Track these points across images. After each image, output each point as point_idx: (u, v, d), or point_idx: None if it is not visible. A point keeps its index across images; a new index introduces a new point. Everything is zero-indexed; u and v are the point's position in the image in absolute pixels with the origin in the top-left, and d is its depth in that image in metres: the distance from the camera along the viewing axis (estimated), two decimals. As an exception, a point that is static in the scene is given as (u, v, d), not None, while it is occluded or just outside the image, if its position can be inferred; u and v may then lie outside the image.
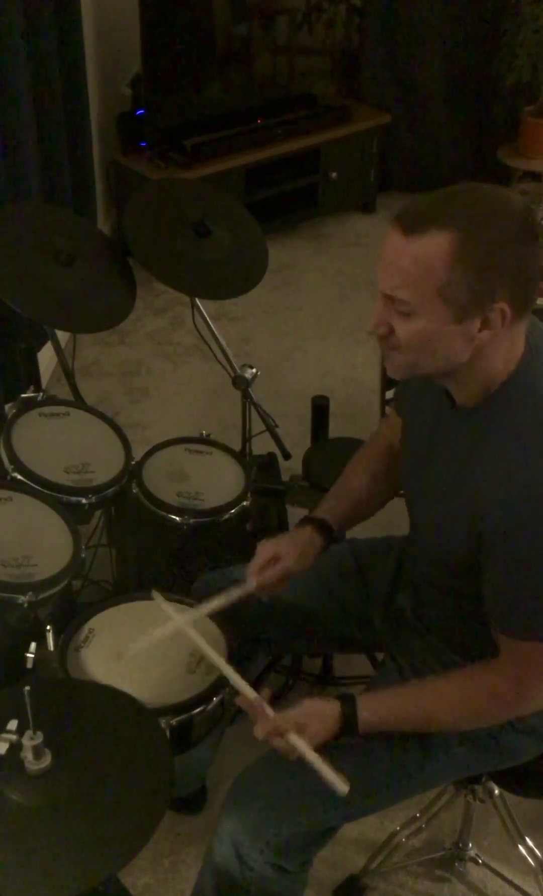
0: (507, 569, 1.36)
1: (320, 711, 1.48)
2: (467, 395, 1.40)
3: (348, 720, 1.47)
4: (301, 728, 1.45)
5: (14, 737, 1.29)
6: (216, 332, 2.38)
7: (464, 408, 1.41)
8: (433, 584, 1.61)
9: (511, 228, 1.25)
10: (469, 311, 1.27)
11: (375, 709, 1.48)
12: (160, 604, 1.69)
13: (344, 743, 1.53)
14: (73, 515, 1.99)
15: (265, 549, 1.66)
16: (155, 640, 1.65)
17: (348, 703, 1.48)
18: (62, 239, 2.15)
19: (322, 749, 1.45)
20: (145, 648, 1.66)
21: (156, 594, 1.71)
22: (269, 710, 1.49)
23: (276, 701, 2.33)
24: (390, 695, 1.53)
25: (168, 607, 1.67)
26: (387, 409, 1.73)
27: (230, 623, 1.76)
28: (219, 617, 1.76)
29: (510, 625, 1.40)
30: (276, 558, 1.64)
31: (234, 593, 1.65)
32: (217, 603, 1.66)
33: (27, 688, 1.27)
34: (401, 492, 1.68)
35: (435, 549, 1.52)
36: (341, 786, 1.42)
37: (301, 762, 1.45)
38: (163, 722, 1.60)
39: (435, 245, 1.24)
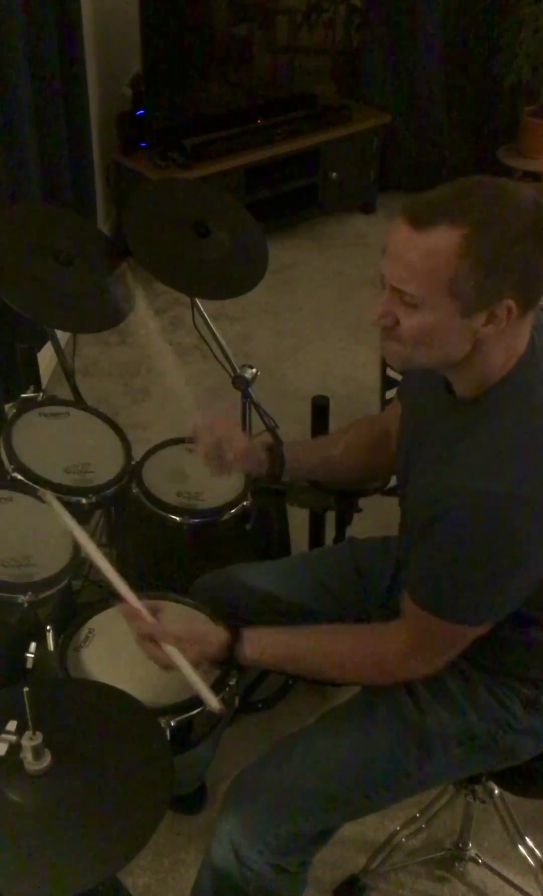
0: (440, 545, 1.35)
1: (203, 636, 1.51)
2: (465, 386, 1.40)
3: (232, 652, 1.50)
4: (179, 643, 1.48)
5: (14, 737, 1.29)
6: (216, 332, 2.38)
7: (462, 399, 1.41)
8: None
9: (522, 226, 1.24)
10: (475, 306, 1.27)
11: (261, 646, 1.52)
12: (50, 501, 1.70)
13: (344, 744, 1.53)
14: (73, 515, 1.98)
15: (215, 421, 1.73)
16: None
17: (235, 635, 1.51)
18: (62, 239, 2.15)
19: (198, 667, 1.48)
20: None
21: (46, 493, 1.73)
22: (148, 616, 1.51)
23: (275, 702, 2.35)
24: (279, 636, 1.56)
25: (57, 505, 1.69)
26: (395, 398, 1.73)
27: (229, 622, 1.76)
28: (219, 616, 1.76)
29: (421, 594, 1.41)
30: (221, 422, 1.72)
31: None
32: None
33: (27, 688, 1.27)
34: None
35: (408, 536, 1.52)
36: (214, 703, 1.45)
37: (294, 757, 1.44)
38: (163, 722, 1.60)
39: (445, 240, 1.24)
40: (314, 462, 1.79)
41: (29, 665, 1.76)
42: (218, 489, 2.14)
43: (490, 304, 1.27)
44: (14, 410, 2.16)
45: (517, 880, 2.00)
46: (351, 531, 2.19)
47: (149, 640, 1.49)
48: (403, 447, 1.57)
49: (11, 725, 1.31)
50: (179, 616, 1.66)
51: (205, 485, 2.16)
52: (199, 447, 1.72)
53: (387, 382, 2.43)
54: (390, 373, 2.41)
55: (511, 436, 1.33)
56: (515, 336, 1.34)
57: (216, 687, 1.67)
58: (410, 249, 1.26)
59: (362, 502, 2.11)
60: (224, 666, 1.56)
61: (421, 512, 1.38)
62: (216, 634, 1.52)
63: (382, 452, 1.74)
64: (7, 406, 2.42)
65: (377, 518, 2.14)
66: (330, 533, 2.30)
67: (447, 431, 1.42)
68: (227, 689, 1.68)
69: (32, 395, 2.21)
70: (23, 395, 2.21)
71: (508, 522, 1.29)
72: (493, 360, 1.35)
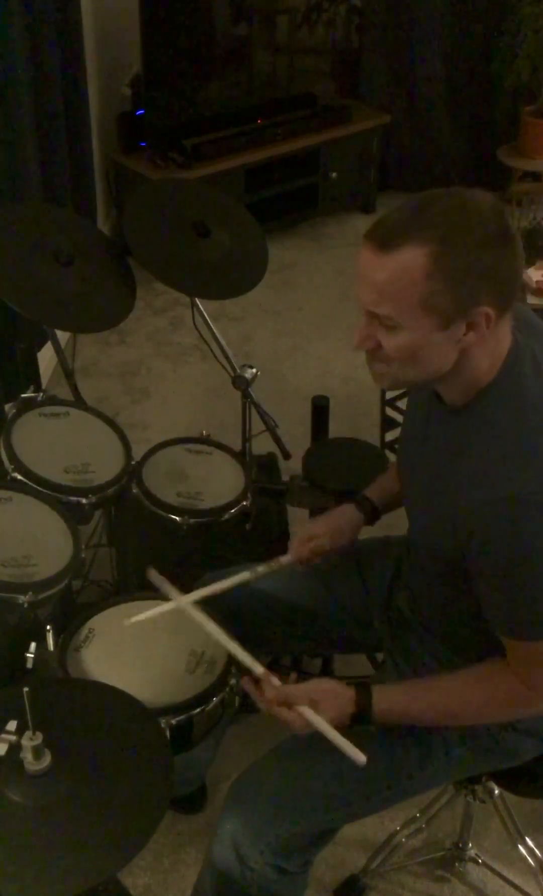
0: (495, 574, 1.36)
1: (333, 691, 1.47)
2: (454, 394, 1.40)
3: (363, 708, 1.46)
4: (313, 703, 1.44)
5: (14, 737, 1.29)
6: (216, 332, 2.38)
7: (452, 407, 1.41)
8: (429, 585, 1.61)
9: (486, 232, 1.25)
10: (453, 317, 1.28)
11: (389, 700, 1.47)
12: (160, 584, 1.68)
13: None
14: (73, 515, 1.99)
15: (304, 529, 1.76)
16: (157, 614, 1.66)
17: (363, 690, 1.47)
18: (62, 239, 2.15)
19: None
20: (148, 619, 1.67)
21: (153, 573, 1.70)
22: (276, 681, 1.48)
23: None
24: (404, 687, 1.52)
25: (168, 587, 1.66)
26: None
27: (229, 623, 1.76)
28: (219, 617, 1.76)
29: (508, 628, 1.40)
30: (312, 537, 1.71)
31: (274, 565, 1.73)
32: (227, 584, 1.72)
33: (27, 688, 1.27)
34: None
35: (426, 551, 1.52)
36: (359, 756, 1.41)
37: (294, 757, 1.43)
38: (163, 722, 1.60)
39: (411, 260, 1.24)
40: (389, 494, 1.78)
41: (29, 665, 1.76)
42: (218, 489, 2.14)
43: (468, 313, 1.27)
44: (14, 410, 2.16)
45: (517, 880, 2.00)
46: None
47: (282, 705, 1.45)
48: (404, 464, 1.59)
49: (11, 725, 1.31)
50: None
51: (205, 485, 2.16)
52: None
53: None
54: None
55: (512, 439, 1.33)
56: (497, 339, 1.35)
57: (216, 687, 1.67)
58: (378, 273, 1.27)
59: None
60: (353, 725, 1.47)
61: (444, 540, 1.39)
62: (344, 690, 1.47)
63: None
64: (7, 406, 2.42)
65: (377, 518, 2.14)
66: (330, 533, 2.30)
67: (442, 446, 1.43)
68: (227, 689, 1.68)
69: (32, 395, 2.21)
70: (23, 395, 2.20)
71: (533, 525, 1.29)
72: (479, 366, 1.35)
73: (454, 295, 1.25)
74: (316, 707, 1.45)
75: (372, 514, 1.76)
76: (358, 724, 1.46)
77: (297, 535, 1.76)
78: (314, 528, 1.74)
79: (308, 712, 1.44)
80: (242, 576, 1.74)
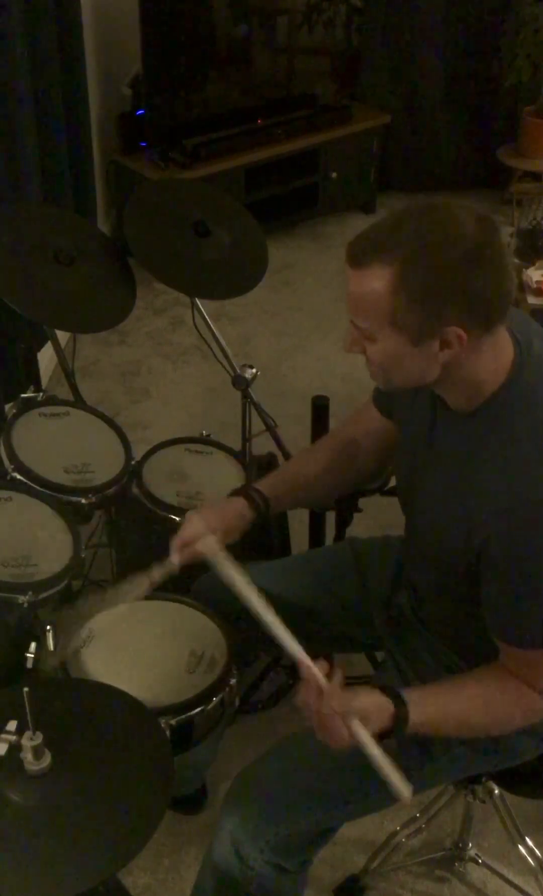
0: (508, 578, 1.36)
1: (378, 705, 1.39)
2: (457, 400, 1.40)
3: (398, 724, 1.39)
4: (365, 718, 1.36)
5: (14, 737, 1.29)
6: (216, 332, 2.38)
7: (461, 411, 1.41)
8: (431, 586, 1.61)
9: (456, 253, 1.24)
10: (424, 335, 1.28)
11: (422, 715, 1.41)
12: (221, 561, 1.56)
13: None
14: (73, 515, 1.99)
15: (191, 524, 1.63)
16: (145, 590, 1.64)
17: (401, 706, 1.40)
18: (62, 239, 2.15)
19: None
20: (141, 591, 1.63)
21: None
22: (325, 682, 1.37)
23: (276, 700, 2.35)
24: (430, 696, 1.46)
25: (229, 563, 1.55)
26: (366, 408, 1.72)
27: (230, 623, 1.76)
28: (219, 617, 1.77)
29: (508, 634, 1.40)
30: (201, 536, 1.61)
31: (156, 574, 1.63)
32: (140, 587, 1.64)
33: (26, 688, 1.27)
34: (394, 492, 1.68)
35: (432, 553, 1.52)
36: (405, 792, 1.32)
37: (293, 756, 1.41)
38: (163, 722, 1.60)
39: (377, 278, 1.26)
40: (288, 493, 1.72)
41: (29, 665, 1.76)
42: (218, 489, 2.14)
43: (437, 332, 1.28)
44: (14, 410, 2.16)
45: (517, 880, 2.00)
46: (351, 531, 2.19)
47: (336, 717, 1.35)
48: (406, 468, 1.58)
49: (11, 725, 1.31)
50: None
51: (205, 485, 2.16)
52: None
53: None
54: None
55: (529, 443, 1.33)
56: (493, 349, 1.33)
57: (216, 687, 1.67)
58: (354, 286, 1.30)
59: (362, 502, 2.11)
60: (387, 738, 1.38)
61: (454, 538, 1.39)
62: (387, 705, 1.38)
63: (352, 464, 1.74)
64: (7, 406, 2.42)
65: (377, 518, 2.14)
66: (330, 533, 2.30)
67: (454, 450, 1.42)
68: (228, 689, 1.68)
69: (32, 395, 2.21)
70: (23, 395, 2.21)
71: None
72: (477, 374, 1.35)
73: (419, 314, 1.26)
74: (366, 722, 1.36)
75: (264, 509, 1.67)
76: (387, 737, 1.40)
77: (183, 531, 1.63)
78: (205, 525, 1.62)
79: (361, 733, 1.35)
80: (140, 583, 1.64)
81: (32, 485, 1.99)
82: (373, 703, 1.39)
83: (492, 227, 1.27)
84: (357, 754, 1.54)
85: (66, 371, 2.47)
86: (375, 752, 1.34)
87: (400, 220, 1.28)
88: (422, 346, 1.29)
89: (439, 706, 1.44)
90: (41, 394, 2.23)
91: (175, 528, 2.03)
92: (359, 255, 1.29)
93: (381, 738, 1.39)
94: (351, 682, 1.79)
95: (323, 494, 1.76)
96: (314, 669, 1.39)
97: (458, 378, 1.35)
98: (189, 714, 1.64)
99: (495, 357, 1.35)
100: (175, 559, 1.63)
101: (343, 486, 1.78)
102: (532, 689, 1.42)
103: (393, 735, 1.40)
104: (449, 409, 1.43)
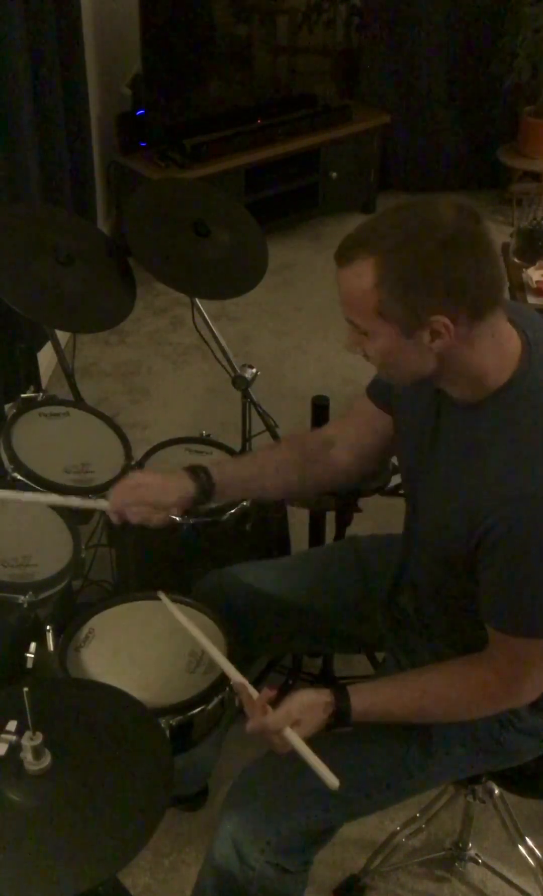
0: (507, 565, 1.36)
1: (313, 703, 1.48)
2: (463, 392, 1.40)
3: (341, 712, 1.47)
4: (296, 722, 1.45)
5: (14, 737, 1.29)
6: (216, 332, 2.38)
7: (466, 404, 1.41)
8: (433, 584, 1.61)
9: (436, 243, 1.25)
10: (412, 325, 1.30)
11: (367, 701, 1.49)
12: (166, 604, 1.70)
13: (345, 742, 1.53)
14: (73, 515, 1.99)
15: (130, 476, 1.69)
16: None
17: (341, 694, 1.48)
18: (62, 239, 2.15)
19: (313, 742, 1.45)
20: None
21: (162, 595, 1.72)
22: (268, 710, 1.48)
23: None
24: (380, 686, 1.54)
25: (173, 608, 1.68)
26: (359, 403, 1.72)
27: (230, 622, 1.76)
28: (219, 616, 1.76)
29: (504, 621, 1.41)
30: (140, 485, 1.65)
31: (88, 503, 1.71)
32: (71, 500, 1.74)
33: (27, 688, 1.27)
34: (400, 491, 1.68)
35: (434, 547, 1.52)
36: (331, 779, 1.42)
37: (293, 756, 1.44)
38: (163, 722, 1.60)
39: (361, 272, 1.29)
40: (237, 480, 1.73)
41: (29, 665, 1.76)
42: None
43: (425, 321, 1.29)
44: (14, 410, 2.16)
45: (517, 880, 2.00)
46: (351, 531, 2.19)
47: (270, 734, 1.45)
48: (410, 462, 1.58)
49: (11, 725, 1.31)
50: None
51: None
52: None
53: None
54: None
55: (538, 436, 1.34)
56: (494, 339, 1.34)
57: (217, 687, 1.67)
58: (343, 285, 1.33)
59: (362, 502, 2.11)
60: (332, 728, 1.49)
61: (458, 530, 1.39)
62: (321, 698, 1.48)
63: (321, 465, 1.73)
64: (7, 406, 2.42)
65: (377, 518, 2.14)
66: (330, 533, 2.30)
67: (460, 443, 1.43)
68: (228, 689, 1.68)
69: (32, 395, 2.22)
70: (23, 395, 2.21)
71: None
72: (479, 365, 1.35)
73: (403, 304, 1.28)
74: (297, 724, 1.45)
75: (207, 488, 1.66)
76: (337, 726, 1.48)
77: (122, 481, 1.69)
78: (142, 478, 1.68)
79: (290, 734, 1.44)
80: (51, 497, 1.76)
81: (32, 485, 1.99)
82: (304, 703, 1.46)
83: (472, 215, 1.28)
84: (356, 754, 1.55)
85: (66, 371, 2.47)
86: (302, 747, 1.43)
87: (382, 216, 1.32)
88: (414, 337, 1.31)
89: (388, 695, 1.50)
90: (41, 394, 2.23)
91: (175, 527, 2.05)
92: (344, 251, 1.32)
93: (328, 728, 1.47)
94: (350, 682, 1.80)
95: (276, 490, 1.78)
96: (252, 695, 1.48)
97: (457, 369, 1.35)
98: (189, 714, 1.64)
99: (495, 348, 1.35)
100: (109, 500, 1.66)
101: (306, 485, 1.77)
102: (516, 683, 1.43)
103: (339, 725, 1.47)
104: (454, 401, 1.43)
